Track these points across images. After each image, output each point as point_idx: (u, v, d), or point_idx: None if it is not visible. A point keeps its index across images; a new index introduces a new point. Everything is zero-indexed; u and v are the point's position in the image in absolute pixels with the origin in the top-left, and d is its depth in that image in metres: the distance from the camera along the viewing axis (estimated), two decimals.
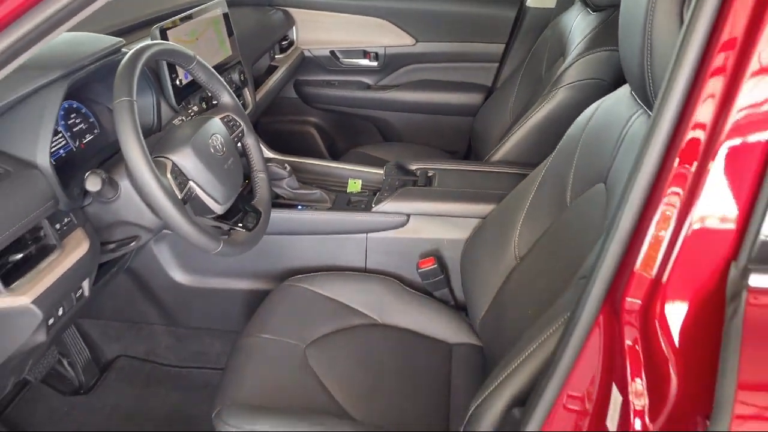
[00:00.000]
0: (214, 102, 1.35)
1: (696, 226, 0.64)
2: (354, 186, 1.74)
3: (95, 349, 1.78)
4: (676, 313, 0.65)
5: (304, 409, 1.16)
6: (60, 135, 1.19)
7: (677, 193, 0.64)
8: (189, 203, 1.10)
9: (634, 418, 0.69)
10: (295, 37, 2.46)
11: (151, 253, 1.62)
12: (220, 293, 1.68)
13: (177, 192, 1.06)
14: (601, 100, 1.22)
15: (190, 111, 1.38)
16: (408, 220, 1.57)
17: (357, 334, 1.41)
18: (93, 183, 1.01)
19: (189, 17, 1.50)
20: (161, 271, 1.64)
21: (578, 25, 1.82)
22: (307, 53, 2.49)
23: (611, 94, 1.18)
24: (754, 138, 0.61)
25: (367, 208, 1.58)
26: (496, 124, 2.09)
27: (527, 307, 1.15)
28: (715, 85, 0.62)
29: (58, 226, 1.01)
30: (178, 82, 1.40)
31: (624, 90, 1.12)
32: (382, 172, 1.75)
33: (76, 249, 1.02)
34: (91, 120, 1.30)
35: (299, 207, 1.59)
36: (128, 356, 1.82)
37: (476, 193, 1.57)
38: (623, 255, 0.69)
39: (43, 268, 0.95)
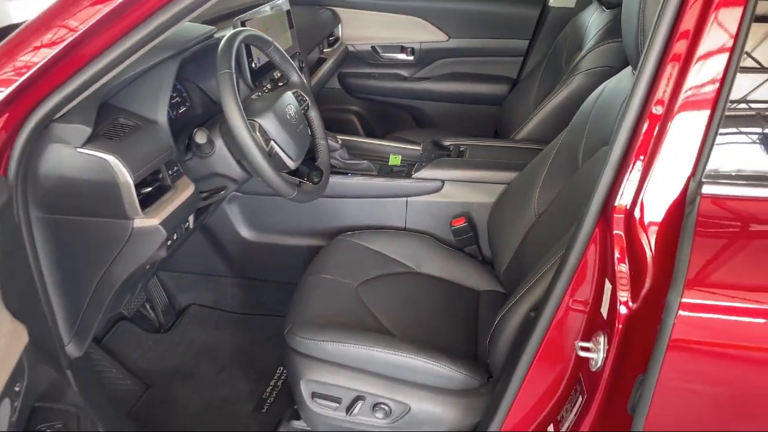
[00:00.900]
0: (284, 81, 1.59)
1: (665, 157, 0.86)
2: (395, 160, 1.97)
3: (171, 298, 2.04)
4: (651, 217, 0.88)
5: (356, 327, 1.38)
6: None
7: (650, 135, 0.87)
8: (272, 158, 1.35)
9: (620, 305, 0.91)
10: (340, 34, 2.70)
11: (223, 212, 1.88)
12: (279, 248, 1.93)
13: (264, 147, 1.31)
14: (608, 81, 1.43)
15: (263, 88, 1.63)
16: (443, 186, 1.80)
17: (398, 279, 1.64)
18: (200, 137, 1.27)
19: (260, 11, 1.76)
20: (231, 227, 1.90)
21: (594, 21, 2.03)
22: (351, 48, 2.73)
23: (616, 75, 1.40)
24: (706, 91, 0.83)
25: (408, 176, 1.81)
26: (520, 111, 2.30)
27: (543, 251, 1.37)
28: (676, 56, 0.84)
29: (170, 171, 1.26)
30: (253, 65, 1.65)
31: (627, 70, 1.33)
32: (419, 148, 1.98)
33: (185, 190, 1.27)
34: (184, 95, 1.55)
35: (349, 174, 1.83)
36: (198, 304, 2.07)
37: (502, 162, 1.79)
38: (614, 179, 0.92)
39: (164, 200, 1.20)
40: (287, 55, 1.53)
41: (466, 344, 1.45)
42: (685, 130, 0.84)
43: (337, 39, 2.69)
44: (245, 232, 1.92)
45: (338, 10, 2.66)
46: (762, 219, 0.84)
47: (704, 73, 0.82)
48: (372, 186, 1.82)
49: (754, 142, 0.87)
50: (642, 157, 0.87)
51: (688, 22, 0.82)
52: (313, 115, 1.60)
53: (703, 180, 0.83)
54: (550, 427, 1.10)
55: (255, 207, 1.87)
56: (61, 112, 1.03)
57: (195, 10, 1.04)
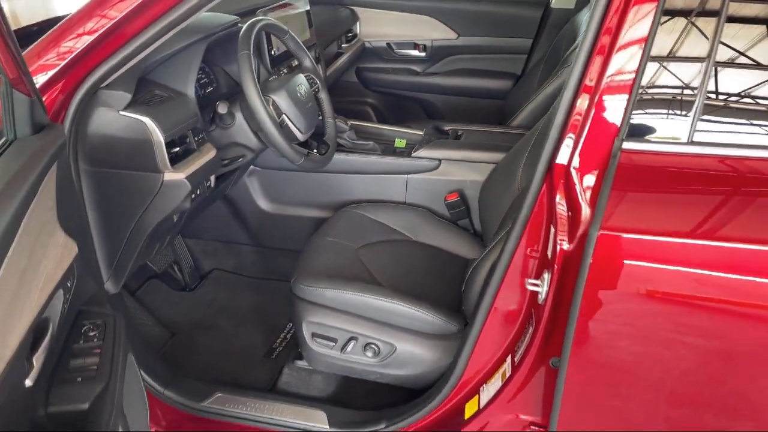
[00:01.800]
0: (298, 65, 1.78)
1: (594, 124, 1.03)
2: (400, 143, 2.14)
3: (197, 261, 2.25)
4: (585, 169, 1.04)
5: (352, 279, 1.56)
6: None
7: (582, 107, 1.03)
8: (282, 129, 1.54)
9: (559, 245, 1.08)
10: (358, 31, 2.90)
11: (244, 186, 2.08)
12: (293, 219, 2.13)
13: (276, 118, 1.50)
14: None
15: (280, 72, 1.82)
16: (439, 165, 1.97)
17: (396, 245, 1.81)
18: (222, 107, 1.47)
19: (281, 7, 1.96)
20: (250, 199, 2.10)
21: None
22: (367, 44, 2.92)
23: None
24: (626, 71, 0.99)
25: (408, 155, 1.99)
26: (521, 103, 2.46)
27: None
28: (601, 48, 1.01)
29: (196, 138, 1.46)
30: (272, 53, 1.84)
31: None
32: (422, 133, 2.16)
33: (208, 153, 1.46)
34: (211, 77, 1.75)
35: (356, 153, 2.02)
36: (221, 269, 2.28)
37: (494, 144, 1.95)
38: (557, 141, 1.08)
39: (190, 160, 1.40)
40: (301, 43, 1.73)
41: (449, 299, 1.62)
42: (610, 102, 1.01)
43: (355, 35, 2.88)
44: (263, 204, 2.12)
45: (357, 8, 2.86)
46: (671, 169, 1.00)
47: (622, 59, 0.99)
48: (376, 163, 2.00)
49: (671, 109, 1.02)
50: (576, 125, 1.04)
51: (611, 21, 0.99)
52: (323, 96, 1.79)
53: (625, 138, 0.99)
54: (508, 359, 1.26)
55: (272, 181, 2.07)
56: (107, 81, 1.23)
57: (213, 1, 1.23)
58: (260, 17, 1.57)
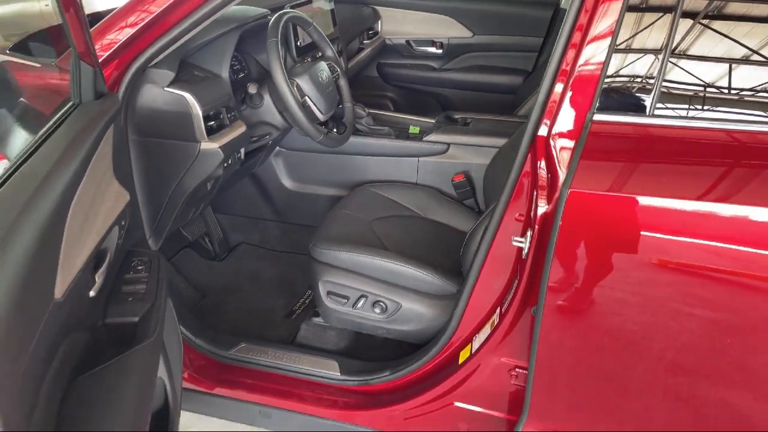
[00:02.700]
0: (321, 55, 1.95)
1: (572, 99, 1.16)
2: (413, 129, 2.29)
3: (226, 235, 2.43)
4: (561, 139, 1.18)
5: (364, 245, 1.72)
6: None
7: (561, 83, 1.17)
8: (305, 109, 1.70)
9: (539, 206, 1.21)
10: (379, 29, 3.05)
11: (270, 165, 2.26)
12: (313, 197, 2.29)
13: (299, 99, 1.67)
14: None
15: (304, 61, 1.99)
16: (448, 149, 2.11)
17: (406, 220, 1.97)
18: (252, 88, 1.64)
19: (308, 3, 2.13)
20: (276, 177, 2.27)
21: None
22: (388, 41, 3.08)
23: None
24: (593, 65, 1.13)
25: (420, 139, 2.14)
26: (531, 98, 2.59)
27: None
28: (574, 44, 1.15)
29: (229, 115, 1.63)
30: (298, 44, 2.01)
31: None
32: (434, 121, 2.30)
33: (239, 128, 1.63)
34: (243, 64, 1.92)
35: (372, 136, 2.17)
36: (248, 243, 2.45)
37: (498, 131, 2.09)
38: (539, 117, 1.22)
39: (224, 132, 1.57)
40: (324, 35, 1.89)
41: (449, 265, 1.76)
42: (582, 84, 1.15)
43: (376, 33, 3.03)
44: (287, 182, 2.29)
45: (379, 8, 3.01)
46: (634, 136, 1.14)
47: (590, 51, 1.13)
48: (390, 147, 2.16)
49: (635, 88, 1.16)
50: (554, 102, 1.19)
51: (582, 19, 1.13)
52: (343, 83, 1.95)
53: (596, 111, 1.13)
54: (498, 310, 1.40)
55: (296, 161, 2.24)
56: (154, 61, 1.40)
57: None
58: (288, 10, 1.74)
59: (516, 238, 1.28)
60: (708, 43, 1.12)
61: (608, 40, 1.12)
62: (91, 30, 1.44)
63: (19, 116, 1.19)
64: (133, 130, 1.46)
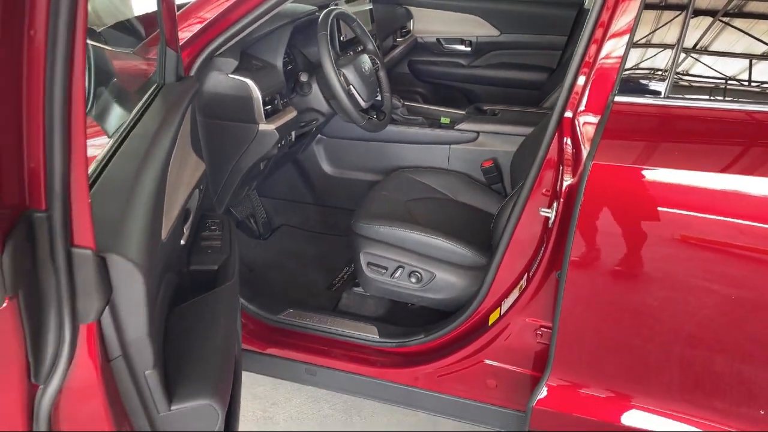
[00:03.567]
0: (362, 48, 2.09)
1: (593, 82, 1.29)
2: (445, 120, 2.42)
3: (269, 216, 2.58)
4: (586, 116, 1.31)
5: (400, 221, 1.85)
6: None
7: (585, 72, 1.30)
8: (350, 97, 1.85)
9: (565, 180, 1.34)
10: (411, 27, 3.19)
11: (312, 152, 2.41)
12: (351, 182, 2.44)
13: (345, 87, 1.81)
14: None
15: (348, 54, 2.13)
16: (478, 137, 2.24)
17: (438, 201, 2.10)
18: (303, 76, 1.79)
19: (349, 2, 2.28)
20: (317, 163, 2.43)
21: None
22: (419, 39, 3.22)
23: None
24: (614, 57, 1.26)
25: (451, 129, 2.27)
26: (555, 93, 2.71)
27: None
28: (597, 38, 1.27)
29: (282, 101, 1.79)
30: (341, 39, 2.16)
31: None
32: (464, 112, 2.44)
33: (291, 113, 1.79)
34: (292, 57, 2.07)
35: (407, 125, 2.31)
36: (289, 225, 2.61)
37: (525, 120, 2.22)
38: (566, 101, 1.35)
39: (278, 116, 1.72)
40: (365, 30, 2.04)
41: (479, 239, 1.89)
42: (603, 72, 1.28)
43: (408, 31, 3.18)
44: (327, 168, 2.44)
45: (411, 8, 3.15)
46: (652, 115, 1.26)
47: (611, 46, 1.25)
48: (424, 135, 2.29)
49: (652, 74, 1.28)
50: (578, 90, 1.31)
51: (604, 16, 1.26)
52: (382, 74, 2.09)
53: (617, 93, 1.26)
54: (525, 276, 1.53)
55: (336, 148, 2.39)
56: (220, 51, 1.56)
57: None
58: (334, 7, 1.89)
59: (543, 210, 1.40)
60: (726, 38, 1.24)
61: (627, 36, 1.24)
62: None
63: (112, 95, 1.35)
64: (200, 113, 1.62)
